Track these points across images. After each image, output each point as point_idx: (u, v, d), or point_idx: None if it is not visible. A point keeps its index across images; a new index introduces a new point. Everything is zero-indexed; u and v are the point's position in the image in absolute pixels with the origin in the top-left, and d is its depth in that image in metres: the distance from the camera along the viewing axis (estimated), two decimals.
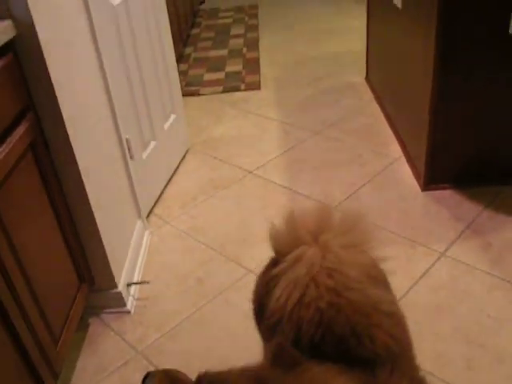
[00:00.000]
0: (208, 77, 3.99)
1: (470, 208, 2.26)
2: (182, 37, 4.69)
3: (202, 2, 6.74)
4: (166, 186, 2.60)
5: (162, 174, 2.57)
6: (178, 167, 2.75)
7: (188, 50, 4.80)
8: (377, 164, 2.64)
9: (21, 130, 1.40)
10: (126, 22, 2.14)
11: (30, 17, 1.40)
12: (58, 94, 1.49)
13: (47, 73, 1.45)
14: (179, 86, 2.78)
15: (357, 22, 4.69)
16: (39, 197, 1.50)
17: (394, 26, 2.76)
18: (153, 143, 2.42)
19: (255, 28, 5.28)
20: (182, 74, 4.02)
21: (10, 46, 1.39)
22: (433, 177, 2.41)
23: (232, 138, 3.01)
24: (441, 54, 2.11)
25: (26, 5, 1.38)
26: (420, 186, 2.45)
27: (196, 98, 3.61)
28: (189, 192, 2.56)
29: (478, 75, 2.17)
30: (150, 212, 2.43)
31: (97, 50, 1.85)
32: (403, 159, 2.66)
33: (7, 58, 1.37)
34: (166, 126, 2.59)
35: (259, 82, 3.75)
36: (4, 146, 1.31)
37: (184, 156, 2.84)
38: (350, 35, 4.51)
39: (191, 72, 4.15)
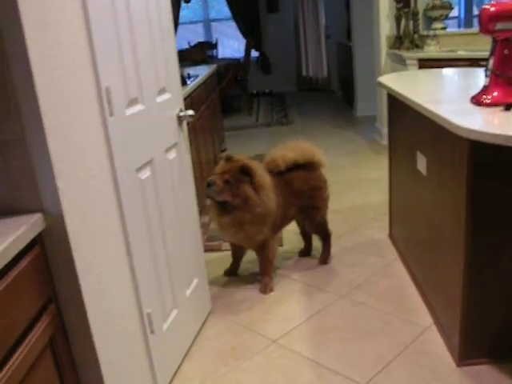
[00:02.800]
0: None
1: None
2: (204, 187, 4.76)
3: (224, 150, 6.98)
4: (185, 356, 2.47)
5: (182, 344, 2.45)
6: (198, 333, 2.64)
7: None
8: (407, 333, 2.51)
9: (41, 326, 1.34)
10: (153, 193, 2.16)
11: (61, 209, 1.39)
12: (82, 284, 1.45)
13: (73, 266, 1.42)
14: (202, 249, 2.76)
15: (377, 174, 4.73)
16: None
17: (419, 188, 2.75)
18: (174, 312, 2.34)
19: None
20: (203, 226, 4.02)
21: (37, 238, 1.37)
22: (468, 350, 2.26)
23: (254, 300, 2.92)
24: (471, 224, 2.07)
25: (58, 198, 1.38)
26: (455, 360, 2.30)
27: (217, 254, 3.58)
28: (209, 363, 2.42)
29: (510, 243, 2.11)
30: None
31: (124, 227, 1.84)
32: (434, 328, 2.53)
33: (34, 252, 1.33)
34: (188, 292, 2.52)
35: (281, 238, 3.72)
36: (22, 347, 1.24)
37: (205, 320, 2.74)
38: (371, 187, 4.54)
39: (213, 225, 4.15)
